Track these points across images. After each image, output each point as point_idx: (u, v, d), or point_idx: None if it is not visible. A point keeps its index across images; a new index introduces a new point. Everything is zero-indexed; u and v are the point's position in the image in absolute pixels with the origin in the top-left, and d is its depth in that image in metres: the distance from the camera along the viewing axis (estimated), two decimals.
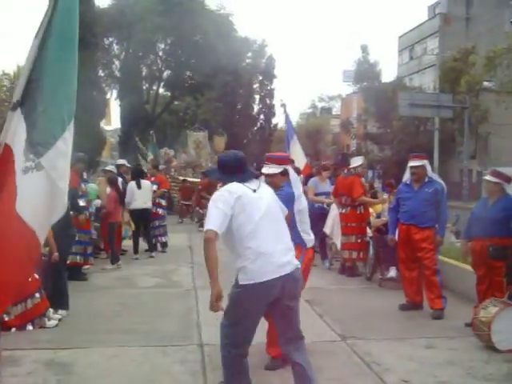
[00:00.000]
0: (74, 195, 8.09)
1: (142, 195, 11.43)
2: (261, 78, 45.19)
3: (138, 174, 12.05)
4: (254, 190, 4.25)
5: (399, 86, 39.77)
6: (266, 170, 5.40)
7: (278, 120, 49.23)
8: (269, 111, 46.90)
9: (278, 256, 4.14)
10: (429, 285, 7.50)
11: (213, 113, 40.48)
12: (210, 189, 16.49)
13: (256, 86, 46.22)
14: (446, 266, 8.58)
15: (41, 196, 3.65)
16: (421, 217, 7.52)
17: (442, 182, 7.90)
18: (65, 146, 3.81)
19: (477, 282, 6.94)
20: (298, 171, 11.64)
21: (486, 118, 34.71)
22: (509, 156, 34.59)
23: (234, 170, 4.35)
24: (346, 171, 10.59)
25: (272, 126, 47.47)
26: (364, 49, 40.33)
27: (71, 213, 7.89)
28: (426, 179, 7.68)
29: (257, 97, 47.43)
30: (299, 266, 4.37)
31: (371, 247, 9.76)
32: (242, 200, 4.15)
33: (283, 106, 15.45)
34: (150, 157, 22.93)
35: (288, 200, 5.20)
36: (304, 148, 17.49)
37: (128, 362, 5.51)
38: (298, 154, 14.20)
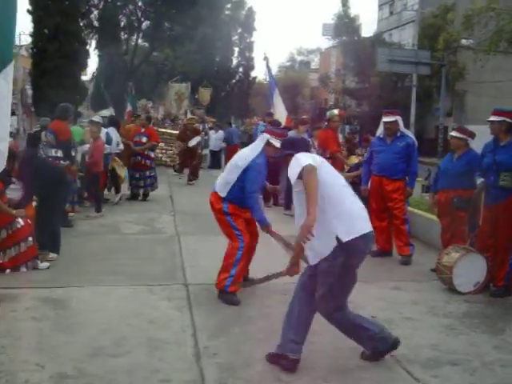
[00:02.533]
0: (67, 146, 8.42)
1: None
2: (240, 30, 45.07)
3: (112, 124, 12.76)
4: None
5: (378, 42, 39.94)
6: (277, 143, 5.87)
7: (257, 73, 49.20)
8: (248, 64, 46.88)
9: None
10: (398, 233, 8.01)
11: (191, 65, 40.36)
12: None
13: (235, 38, 46.09)
14: (414, 216, 9.10)
15: None
16: (392, 169, 7.96)
17: (413, 136, 8.35)
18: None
19: (441, 231, 7.46)
20: (278, 124, 12.11)
21: (462, 75, 35.11)
22: (484, 114, 34.90)
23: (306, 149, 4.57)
24: (326, 124, 11.04)
25: (251, 79, 47.50)
26: (344, 2, 40.20)
27: (66, 162, 8.26)
28: (398, 134, 8.09)
29: (236, 49, 47.33)
30: None
31: None
32: (324, 164, 4.39)
33: (266, 59, 15.63)
34: (129, 108, 22.86)
35: None
36: (268, 101, 17.83)
37: (118, 299, 5.94)
38: (280, 107, 14.57)
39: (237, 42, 45.75)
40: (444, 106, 34.30)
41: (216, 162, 21.13)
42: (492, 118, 6.54)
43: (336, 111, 11.39)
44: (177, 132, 19.39)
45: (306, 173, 4.03)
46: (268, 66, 15.76)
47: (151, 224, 10.17)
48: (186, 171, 16.87)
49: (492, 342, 5.07)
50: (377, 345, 4.49)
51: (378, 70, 33.38)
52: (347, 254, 4.16)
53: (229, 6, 41.40)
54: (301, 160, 4.14)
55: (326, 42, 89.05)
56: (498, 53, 22.33)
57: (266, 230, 6.08)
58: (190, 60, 38.13)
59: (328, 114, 10.95)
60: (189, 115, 20.55)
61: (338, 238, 4.13)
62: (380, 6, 53.56)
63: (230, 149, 19.71)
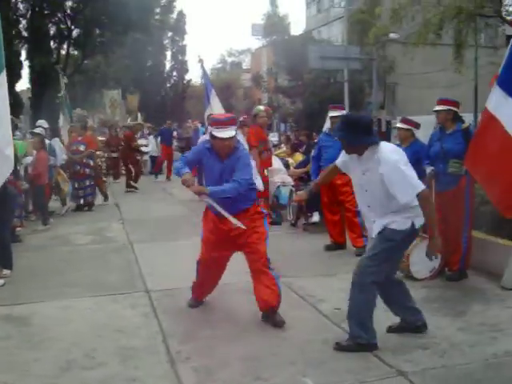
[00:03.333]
0: None
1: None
2: (170, 34, 44.83)
3: (56, 135, 12.51)
4: None
5: (308, 39, 40.42)
6: (224, 133, 5.20)
7: (191, 76, 49.16)
8: (181, 67, 46.71)
9: None
10: (351, 225, 8.16)
11: (123, 71, 39.92)
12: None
13: (166, 42, 45.86)
14: None
15: None
16: None
17: None
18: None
19: None
20: None
21: (392, 68, 35.91)
22: (415, 105, 36.03)
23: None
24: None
25: (185, 82, 47.33)
26: (273, 2, 40.56)
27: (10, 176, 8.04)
28: None
29: (168, 53, 47.15)
30: None
31: (294, 195, 10.33)
32: None
33: (200, 61, 15.63)
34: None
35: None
36: (204, 103, 17.88)
37: (83, 311, 5.84)
38: (218, 108, 14.56)
39: (168, 46, 45.55)
40: (376, 100, 34.97)
41: (157, 167, 21.00)
42: (437, 108, 6.74)
43: (262, 107, 11.33)
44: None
45: (426, 200, 4.56)
46: (203, 68, 15.78)
47: (101, 233, 10.03)
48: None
49: (456, 325, 5.23)
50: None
51: (310, 68, 33.76)
52: (411, 238, 4.86)
53: (158, 10, 41.15)
54: (410, 173, 4.50)
55: (256, 42, 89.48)
56: (426, 45, 22.87)
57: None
58: (121, 66, 37.82)
59: (254, 109, 10.81)
60: (139, 119, 20.44)
61: (413, 223, 4.63)
62: (308, 5, 54.14)
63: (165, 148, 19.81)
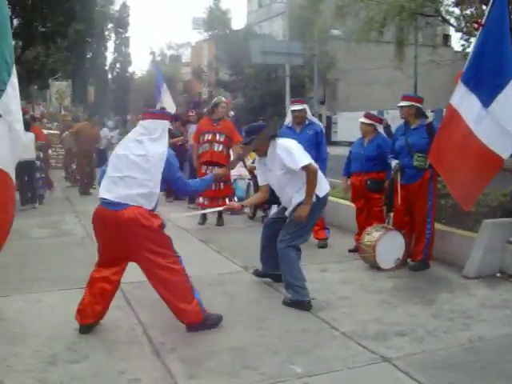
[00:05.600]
0: None
1: (25, 147, 11.32)
2: (111, 25, 44.15)
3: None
4: None
5: (249, 34, 40.54)
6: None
7: (135, 68, 48.54)
8: (125, 60, 46.06)
9: None
10: None
11: (62, 62, 39.03)
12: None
13: (107, 33, 45.13)
14: None
15: (4, 140, 3.84)
16: None
17: (320, 124, 8.66)
18: (13, 89, 3.98)
19: (356, 213, 7.81)
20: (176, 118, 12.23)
21: (333, 64, 36.47)
22: (356, 101, 36.76)
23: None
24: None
25: (128, 74, 46.71)
26: None
27: None
28: (307, 122, 8.35)
29: (111, 45, 46.40)
30: None
31: (252, 188, 10.41)
32: None
33: (152, 53, 15.61)
34: None
35: None
36: (155, 96, 17.78)
37: (54, 305, 5.75)
38: (169, 102, 14.52)
39: (109, 37, 44.89)
40: (317, 95, 35.45)
41: (103, 160, 20.68)
42: (401, 104, 6.94)
43: (223, 98, 11.26)
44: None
45: (313, 173, 5.53)
46: (155, 61, 15.70)
47: (57, 227, 9.86)
48: None
49: (428, 312, 5.42)
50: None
51: (252, 62, 33.87)
52: (320, 203, 5.76)
53: (99, 0, 40.51)
54: (297, 151, 5.64)
55: (196, 36, 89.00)
56: (368, 42, 23.34)
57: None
58: (61, 57, 36.93)
59: (216, 99, 10.61)
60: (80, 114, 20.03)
61: (317, 196, 5.64)
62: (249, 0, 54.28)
63: None
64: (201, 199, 9.86)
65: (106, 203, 4.79)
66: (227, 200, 9.71)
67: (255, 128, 6.00)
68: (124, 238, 4.74)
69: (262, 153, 5.87)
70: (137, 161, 4.80)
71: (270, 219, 6.55)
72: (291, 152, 5.59)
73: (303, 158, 5.58)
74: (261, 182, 6.13)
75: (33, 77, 35.16)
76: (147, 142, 4.87)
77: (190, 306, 4.86)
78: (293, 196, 5.73)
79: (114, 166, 4.86)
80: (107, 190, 4.83)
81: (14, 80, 4.00)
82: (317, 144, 8.21)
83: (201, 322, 4.93)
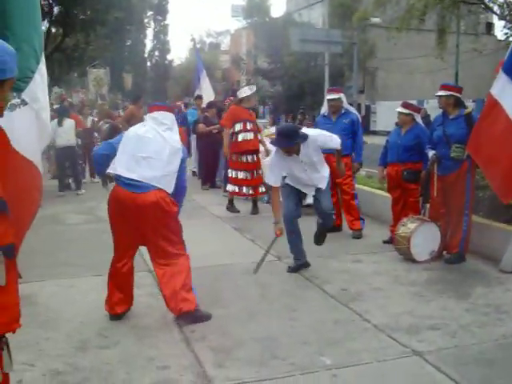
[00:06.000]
0: None
1: (64, 133, 11.56)
2: (150, 13, 44.35)
3: (61, 113, 12.30)
4: None
5: (288, 22, 40.23)
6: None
7: (173, 56, 48.76)
8: (163, 47, 46.25)
9: None
10: (348, 208, 8.20)
11: (102, 49, 39.36)
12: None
13: (146, 20, 45.35)
14: (358, 192, 9.33)
15: (31, 128, 3.85)
16: None
17: (357, 113, 8.57)
18: (41, 77, 3.98)
19: (392, 203, 7.69)
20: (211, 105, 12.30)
21: (373, 53, 35.99)
22: (395, 90, 36.30)
23: None
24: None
25: (167, 62, 46.89)
26: None
27: None
28: (343, 111, 8.27)
29: (150, 33, 46.59)
30: None
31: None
32: None
33: (193, 40, 15.62)
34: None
35: None
36: (194, 83, 17.77)
37: (87, 290, 5.82)
38: (208, 89, 14.52)
39: (148, 25, 45.10)
40: (356, 84, 35.05)
41: None
42: (440, 93, 6.79)
43: (255, 87, 11.07)
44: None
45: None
46: (196, 48, 15.69)
47: (93, 213, 9.95)
48: None
49: (462, 306, 5.31)
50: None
51: (291, 50, 33.66)
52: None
53: None
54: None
55: (235, 24, 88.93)
56: (409, 30, 22.96)
57: None
58: (100, 45, 37.30)
59: (249, 88, 10.33)
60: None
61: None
62: None
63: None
64: (231, 187, 9.82)
65: (126, 184, 4.77)
66: (260, 189, 9.76)
67: (292, 132, 6.01)
68: (142, 220, 4.77)
69: (295, 152, 6.06)
70: (161, 144, 4.85)
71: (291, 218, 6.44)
72: (327, 135, 6.36)
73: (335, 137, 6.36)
74: (274, 182, 6.19)
75: (73, 64, 35.65)
76: (165, 130, 4.98)
77: (190, 295, 4.89)
78: (323, 171, 6.45)
79: (136, 146, 4.86)
80: (127, 168, 4.81)
81: (42, 68, 4.00)
82: (353, 133, 8.14)
83: (193, 312, 4.87)
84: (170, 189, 4.83)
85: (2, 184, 2.53)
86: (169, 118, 5.09)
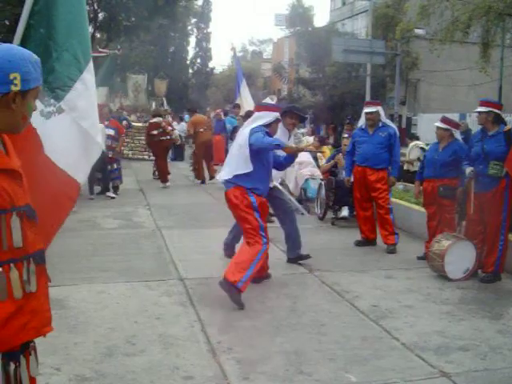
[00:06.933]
0: None
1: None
2: (194, 20, 44.72)
3: None
4: None
5: (332, 32, 40.14)
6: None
7: (215, 64, 49.13)
8: (205, 55, 46.62)
9: None
10: (383, 222, 8.12)
11: (145, 55, 39.91)
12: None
13: (189, 28, 45.75)
14: (394, 205, 9.24)
15: (66, 137, 3.87)
16: (375, 159, 8.07)
17: (394, 126, 8.49)
18: (84, 86, 3.99)
19: (428, 219, 7.58)
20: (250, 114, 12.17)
21: (416, 64, 35.62)
22: (437, 102, 35.87)
23: None
24: None
25: (208, 69, 47.24)
26: None
27: None
28: (380, 124, 8.21)
29: (192, 40, 47.02)
30: None
31: (323, 189, 10.29)
32: None
33: (233, 49, 15.66)
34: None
35: None
36: (235, 91, 17.82)
37: (117, 296, 5.87)
38: (248, 98, 14.56)
39: (191, 32, 45.54)
40: (398, 95, 34.77)
41: (179, 154, 21.05)
42: (479, 109, 6.68)
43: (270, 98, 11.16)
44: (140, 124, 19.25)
45: None
46: (236, 56, 15.76)
47: (129, 218, 10.07)
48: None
49: (494, 327, 5.20)
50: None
51: (333, 60, 33.57)
52: None
53: None
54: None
55: (278, 33, 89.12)
56: (453, 42, 22.72)
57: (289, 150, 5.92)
58: (144, 51, 37.87)
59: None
60: (165, 106, 20.37)
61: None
62: None
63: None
64: None
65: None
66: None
67: None
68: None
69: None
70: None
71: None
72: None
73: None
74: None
75: (117, 69, 36.25)
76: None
77: (240, 273, 5.51)
78: None
79: None
80: None
81: (86, 76, 4.01)
82: (389, 146, 8.08)
83: (233, 285, 5.48)
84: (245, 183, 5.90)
85: (29, 190, 2.55)
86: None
